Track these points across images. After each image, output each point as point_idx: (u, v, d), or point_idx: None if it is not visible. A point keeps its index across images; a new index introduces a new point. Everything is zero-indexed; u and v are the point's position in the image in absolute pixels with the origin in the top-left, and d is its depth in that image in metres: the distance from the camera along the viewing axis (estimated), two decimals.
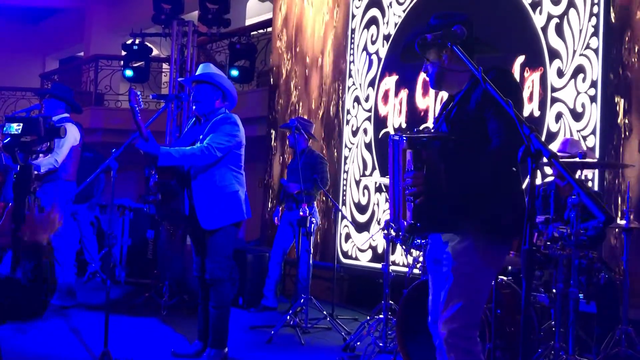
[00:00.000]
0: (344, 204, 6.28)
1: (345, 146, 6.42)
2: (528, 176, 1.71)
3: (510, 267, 3.56)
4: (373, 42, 6.21)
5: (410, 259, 4.22)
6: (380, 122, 6.03)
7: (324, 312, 4.70)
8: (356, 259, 6.09)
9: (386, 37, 6.06)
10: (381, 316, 3.96)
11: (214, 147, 3.48)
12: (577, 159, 3.29)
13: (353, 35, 6.46)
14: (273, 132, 7.57)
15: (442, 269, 2.31)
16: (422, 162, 2.14)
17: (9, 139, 1.70)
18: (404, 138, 2.19)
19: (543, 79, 4.60)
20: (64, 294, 4.89)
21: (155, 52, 9.62)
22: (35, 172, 4.62)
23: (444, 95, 2.54)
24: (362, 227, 6.03)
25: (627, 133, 4.13)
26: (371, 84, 6.18)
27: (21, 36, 13.97)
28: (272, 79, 7.75)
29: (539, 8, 4.69)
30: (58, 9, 13.71)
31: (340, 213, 5.94)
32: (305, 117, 6.67)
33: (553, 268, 3.32)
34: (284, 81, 7.47)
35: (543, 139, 1.74)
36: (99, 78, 10.68)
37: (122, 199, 6.94)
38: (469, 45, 2.29)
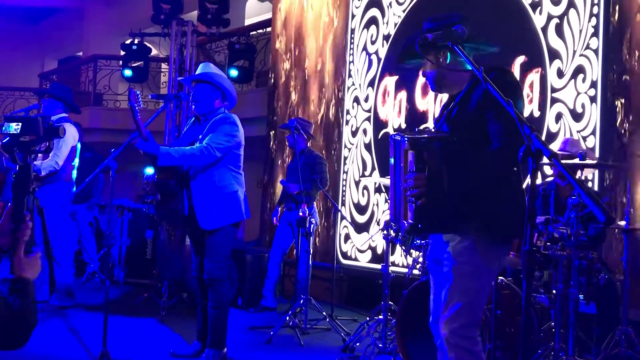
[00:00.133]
0: (343, 204, 6.28)
1: (345, 146, 6.41)
2: (529, 176, 1.70)
3: (509, 268, 3.56)
4: (373, 42, 6.21)
5: (409, 260, 4.22)
6: (379, 122, 6.03)
7: (324, 313, 4.69)
8: (356, 259, 6.09)
9: (386, 37, 6.06)
10: (381, 317, 3.96)
11: (214, 147, 3.48)
12: (577, 160, 3.28)
13: (353, 35, 6.46)
14: (272, 132, 7.56)
15: (443, 269, 2.31)
16: (424, 163, 2.14)
17: (7, 138, 1.69)
18: (406, 138, 2.19)
19: (543, 80, 4.60)
20: (62, 294, 4.88)
21: (154, 52, 9.63)
22: (35, 174, 4.61)
23: (443, 95, 2.53)
24: (361, 228, 6.02)
25: (627, 133, 4.13)
26: (371, 84, 6.17)
27: (20, 36, 13.96)
28: (271, 79, 7.74)
29: (539, 8, 4.68)
30: (57, 9, 13.71)
31: (339, 214, 5.93)
32: (304, 117, 6.67)
33: (553, 269, 3.32)
34: (284, 81, 7.47)
35: (543, 139, 1.73)
36: (97, 78, 10.68)
37: (121, 199, 6.93)
38: (467, 44, 2.28)
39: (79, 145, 5.03)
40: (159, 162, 3.37)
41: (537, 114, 4.62)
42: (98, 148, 7.26)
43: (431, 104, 5.47)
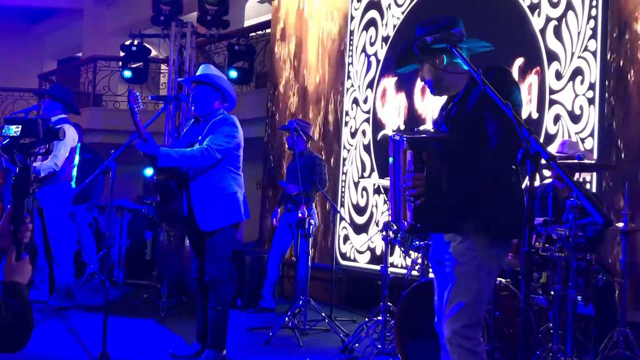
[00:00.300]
0: (342, 205, 6.28)
1: (344, 148, 6.42)
2: (527, 178, 1.71)
3: (508, 269, 3.57)
4: (372, 44, 6.22)
5: (408, 261, 4.22)
6: (378, 123, 6.04)
7: (323, 314, 4.70)
8: (355, 260, 6.09)
9: (385, 39, 6.07)
10: (380, 318, 3.96)
11: (214, 148, 3.48)
12: (575, 161, 3.29)
13: (352, 37, 6.47)
14: (271, 133, 7.57)
15: (445, 269, 2.32)
16: (423, 163, 2.15)
17: (7, 140, 1.69)
18: (405, 138, 2.20)
19: (541, 81, 4.61)
20: (62, 295, 4.88)
21: (153, 53, 9.62)
22: (34, 175, 4.62)
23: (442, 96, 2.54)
24: (360, 229, 6.03)
25: (625, 135, 4.14)
26: (370, 85, 6.18)
27: (20, 36, 13.96)
28: (270, 81, 7.75)
29: (538, 10, 4.70)
30: (56, 10, 13.70)
31: (338, 215, 5.94)
32: (302, 118, 6.68)
33: (551, 270, 3.33)
34: (283, 83, 7.47)
35: (541, 141, 1.74)
36: (97, 79, 10.68)
37: (120, 200, 6.94)
38: (463, 45, 2.30)
39: (78, 146, 5.03)
40: (159, 163, 3.38)
41: (535, 115, 4.63)
42: (97, 149, 7.27)
43: (430, 105, 5.48)
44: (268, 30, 8.34)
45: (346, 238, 6.22)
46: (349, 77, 6.45)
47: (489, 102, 2.07)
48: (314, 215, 5.35)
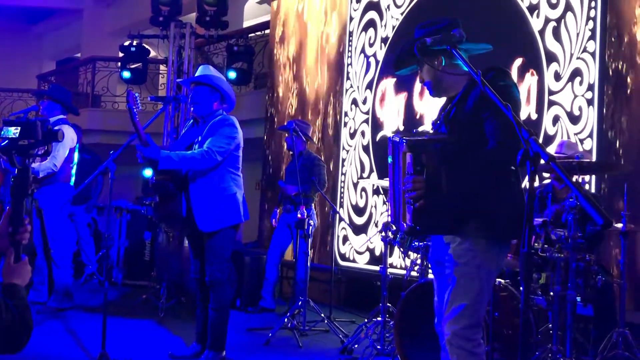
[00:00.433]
0: (341, 206, 6.29)
1: (343, 148, 6.42)
2: (526, 179, 1.71)
3: (507, 270, 3.57)
4: (371, 45, 6.22)
5: (407, 262, 4.22)
6: (377, 124, 6.04)
7: (322, 315, 4.70)
8: (354, 261, 6.10)
9: (384, 40, 6.07)
10: (379, 319, 3.96)
11: (215, 150, 3.47)
12: (573, 161, 3.29)
13: (351, 38, 6.47)
14: (270, 134, 7.57)
15: (444, 270, 2.32)
16: (422, 166, 2.15)
17: (6, 142, 1.69)
18: (404, 141, 2.20)
19: (540, 82, 4.62)
20: (60, 295, 4.88)
21: (152, 53, 9.62)
22: (33, 176, 4.61)
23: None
24: (359, 230, 6.03)
25: (624, 136, 4.14)
26: (369, 86, 6.19)
27: (18, 37, 13.95)
28: (269, 81, 7.75)
29: (537, 11, 4.70)
30: (55, 10, 13.70)
31: (338, 215, 5.94)
32: (301, 118, 6.68)
33: (550, 271, 3.33)
34: (282, 84, 7.48)
35: (540, 142, 1.74)
36: (96, 79, 10.67)
37: (119, 200, 6.94)
38: (461, 46, 2.30)
39: (77, 147, 5.03)
40: (159, 166, 3.37)
41: (534, 116, 4.63)
42: (96, 149, 7.27)
43: (429, 105, 5.48)
44: (267, 31, 8.35)
45: (345, 239, 6.22)
46: (348, 78, 6.46)
47: (488, 103, 2.07)
48: (313, 216, 5.35)
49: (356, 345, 4.12)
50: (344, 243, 6.23)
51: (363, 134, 6.20)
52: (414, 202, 2.16)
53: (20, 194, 1.67)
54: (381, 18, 6.13)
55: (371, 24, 6.24)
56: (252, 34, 8.89)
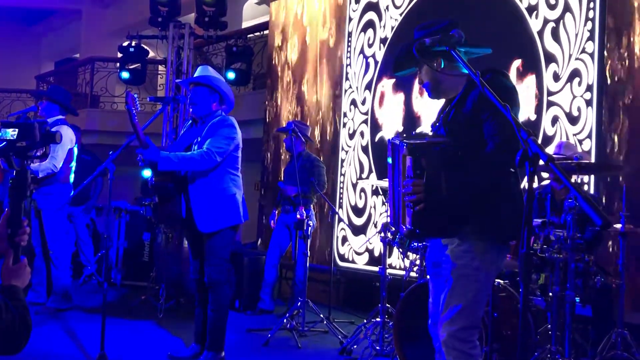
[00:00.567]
0: (340, 206, 6.29)
1: (342, 149, 6.43)
2: (525, 179, 1.71)
3: (505, 270, 3.57)
4: (370, 46, 6.22)
5: (407, 262, 4.22)
6: (376, 125, 6.04)
7: (321, 315, 4.70)
8: (353, 262, 6.10)
9: (383, 41, 6.07)
10: (378, 319, 3.97)
11: (214, 151, 3.47)
12: (572, 162, 3.30)
13: (350, 39, 6.47)
14: (269, 135, 7.57)
15: (441, 271, 2.32)
16: (422, 169, 2.14)
17: (4, 144, 1.69)
18: (404, 144, 2.19)
19: (539, 83, 4.62)
20: (59, 296, 4.87)
21: (151, 54, 9.62)
22: (33, 176, 4.61)
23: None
24: (358, 230, 6.03)
25: (622, 137, 4.15)
26: (368, 87, 6.19)
27: (17, 37, 13.95)
28: (268, 82, 7.75)
29: (535, 12, 4.71)
30: (54, 11, 13.70)
31: (337, 216, 5.95)
32: (300, 119, 6.68)
33: (549, 271, 3.33)
34: (281, 84, 7.48)
35: (539, 143, 1.75)
36: (94, 80, 10.66)
37: (118, 201, 6.93)
38: (461, 48, 2.30)
39: (76, 148, 5.03)
40: (159, 167, 3.37)
41: (533, 117, 4.64)
42: (94, 150, 7.27)
43: (428, 106, 5.48)
44: (266, 32, 8.35)
45: (344, 239, 6.22)
46: (347, 79, 6.46)
47: (487, 104, 2.07)
48: (312, 217, 5.35)
49: (355, 346, 4.12)
50: (343, 244, 6.24)
51: (362, 134, 6.20)
52: (414, 206, 2.15)
53: (19, 196, 1.66)
54: (380, 19, 6.13)
55: (370, 24, 6.24)
56: (251, 35, 8.89)
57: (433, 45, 2.22)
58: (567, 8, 4.50)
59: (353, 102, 6.36)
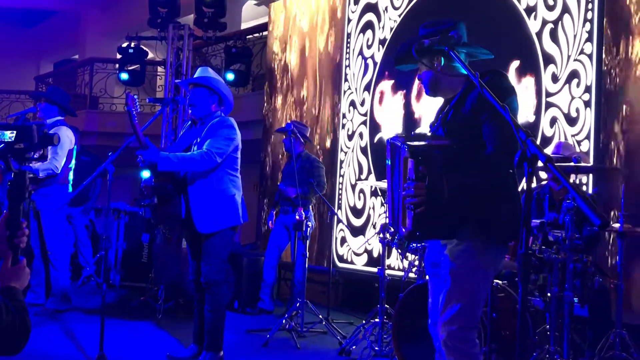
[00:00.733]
0: (339, 207, 6.29)
1: (341, 150, 6.43)
2: (524, 180, 1.72)
3: (504, 271, 3.58)
4: (369, 47, 6.23)
5: (405, 263, 4.23)
6: (375, 126, 6.05)
7: (320, 316, 4.70)
8: (352, 262, 6.10)
9: (382, 42, 6.08)
10: (377, 320, 3.97)
11: (214, 152, 3.48)
12: (571, 163, 3.31)
13: (349, 40, 6.48)
14: (268, 135, 7.57)
15: (440, 271, 2.32)
16: (424, 172, 2.14)
17: (2, 145, 1.69)
18: (406, 147, 2.19)
19: (538, 84, 4.63)
20: (58, 297, 4.87)
21: (150, 55, 9.63)
22: (33, 175, 4.61)
23: (439, 98, 2.55)
24: (357, 231, 6.03)
25: (621, 137, 4.16)
26: (367, 88, 6.20)
27: (16, 38, 13.94)
28: (267, 83, 7.76)
29: (534, 13, 4.72)
30: (53, 12, 13.70)
31: (335, 217, 5.95)
32: (301, 120, 6.68)
33: (548, 272, 3.34)
34: (280, 85, 7.48)
35: (538, 143, 1.75)
36: (94, 81, 10.67)
37: (117, 202, 6.93)
38: (464, 49, 2.31)
39: (75, 149, 5.03)
40: (159, 168, 3.38)
41: (531, 118, 4.64)
42: (94, 151, 7.26)
43: (427, 107, 5.49)
44: (265, 33, 8.35)
45: (343, 240, 6.23)
46: (346, 80, 6.47)
47: (486, 105, 2.08)
48: (311, 218, 5.36)
49: (354, 347, 4.13)
50: (342, 245, 6.24)
51: (361, 135, 6.21)
52: (415, 208, 2.15)
53: (17, 198, 1.66)
54: (379, 20, 6.14)
55: (369, 25, 6.25)
56: (250, 36, 8.91)
57: (432, 46, 2.23)
58: (565, 9, 4.51)
59: (352, 103, 6.36)
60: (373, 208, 5.91)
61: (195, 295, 3.76)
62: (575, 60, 4.41)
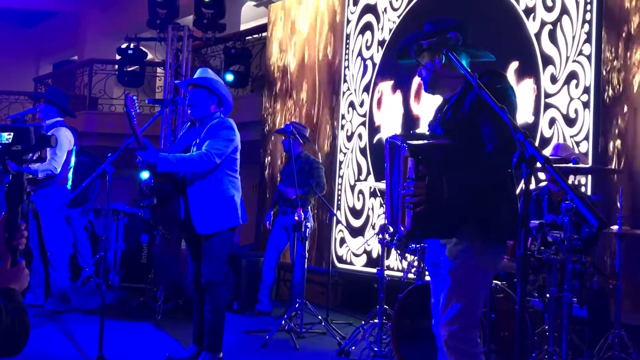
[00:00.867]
0: (338, 208, 6.30)
1: (340, 151, 6.44)
2: (522, 181, 1.73)
3: (503, 272, 3.58)
4: (368, 48, 6.24)
5: (404, 264, 4.23)
6: (374, 127, 6.05)
7: (319, 317, 4.70)
8: (351, 263, 6.10)
9: (381, 43, 6.09)
10: (376, 321, 3.97)
11: (213, 153, 3.48)
12: (570, 164, 3.31)
13: (348, 41, 6.49)
14: (268, 136, 7.57)
15: (440, 271, 2.33)
16: (424, 171, 2.14)
17: None
18: (406, 146, 2.19)
19: (536, 85, 4.64)
20: (57, 298, 4.87)
21: (150, 56, 9.62)
22: (32, 176, 4.61)
23: (438, 99, 2.56)
24: (356, 232, 6.04)
25: (619, 138, 4.16)
26: (366, 89, 6.20)
27: (15, 39, 13.94)
28: (267, 84, 7.76)
29: (533, 14, 4.72)
30: (52, 13, 13.69)
31: (335, 218, 5.95)
32: (300, 121, 6.68)
33: (547, 273, 3.34)
34: (279, 86, 7.49)
35: (537, 144, 1.76)
36: (93, 82, 10.66)
37: (116, 203, 6.94)
38: (464, 50, 2.32)
39: (74, 150, 5.03)
40: (158, 169, 3.38)
41: (530, 119, 4.65)
42: (93, 152, 7.26)
43: (426, 107, 5.50)
44: (264, 34, 8.36)
45: (342, 241, 6.23)
46: (345, 81, 6.47)
47: (485, 105, 2.08)
48: (310, 218, 5.36)
49: (353, 347, 4.13)
50: (341, 245, 6.24)
51: (360, 136, 6.21)
52: (414, 207, 2.16)
53: (16, 200, 1.66)
54: (378, 21, 6.14)
55: (368, 26, 6.26)
56: (250, 37, 8.90)
57: (430, 48, 2.24)
58: (564, 10, 4.51)
59: (351, 104, 6.37)
60: (372, 209, 5.92)
61: (195, 296, 3.76)
62: (574, 61, 4.41)
